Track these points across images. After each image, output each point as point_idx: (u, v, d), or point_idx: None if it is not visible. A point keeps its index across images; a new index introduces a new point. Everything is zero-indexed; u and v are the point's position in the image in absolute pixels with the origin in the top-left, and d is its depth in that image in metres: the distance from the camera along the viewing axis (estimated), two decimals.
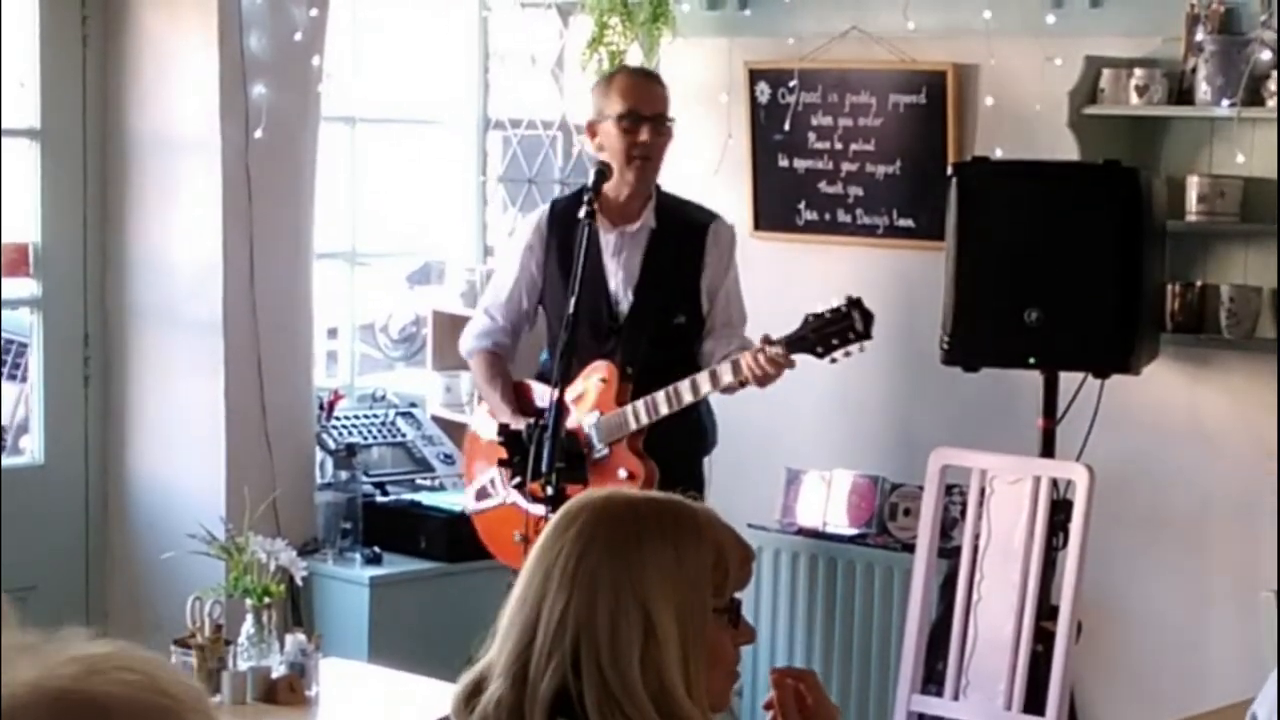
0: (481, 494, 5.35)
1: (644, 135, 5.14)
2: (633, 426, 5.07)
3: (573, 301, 4.80)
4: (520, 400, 5.25)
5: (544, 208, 5.47)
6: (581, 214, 4.99)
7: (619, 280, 5.22)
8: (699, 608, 2.28)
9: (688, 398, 5.04)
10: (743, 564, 2.36)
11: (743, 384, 4.99)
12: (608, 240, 5.21)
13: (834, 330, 4.83)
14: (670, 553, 2.28)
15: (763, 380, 4.93)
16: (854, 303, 4.85)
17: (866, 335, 4.84)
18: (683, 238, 5.24)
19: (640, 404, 5.07)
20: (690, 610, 2.27)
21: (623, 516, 2.31)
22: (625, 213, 5.21)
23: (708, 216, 5.35)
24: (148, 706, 1.34)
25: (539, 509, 4.94)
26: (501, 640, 2.28)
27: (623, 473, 5.00)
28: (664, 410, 5.06)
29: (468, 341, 5.44)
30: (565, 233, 5.21)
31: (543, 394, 5.18)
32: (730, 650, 2.36)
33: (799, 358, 4.91)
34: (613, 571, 2.25)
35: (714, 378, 5.01)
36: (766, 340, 4.92)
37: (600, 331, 5.17)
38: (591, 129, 5.24)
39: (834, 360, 4.90)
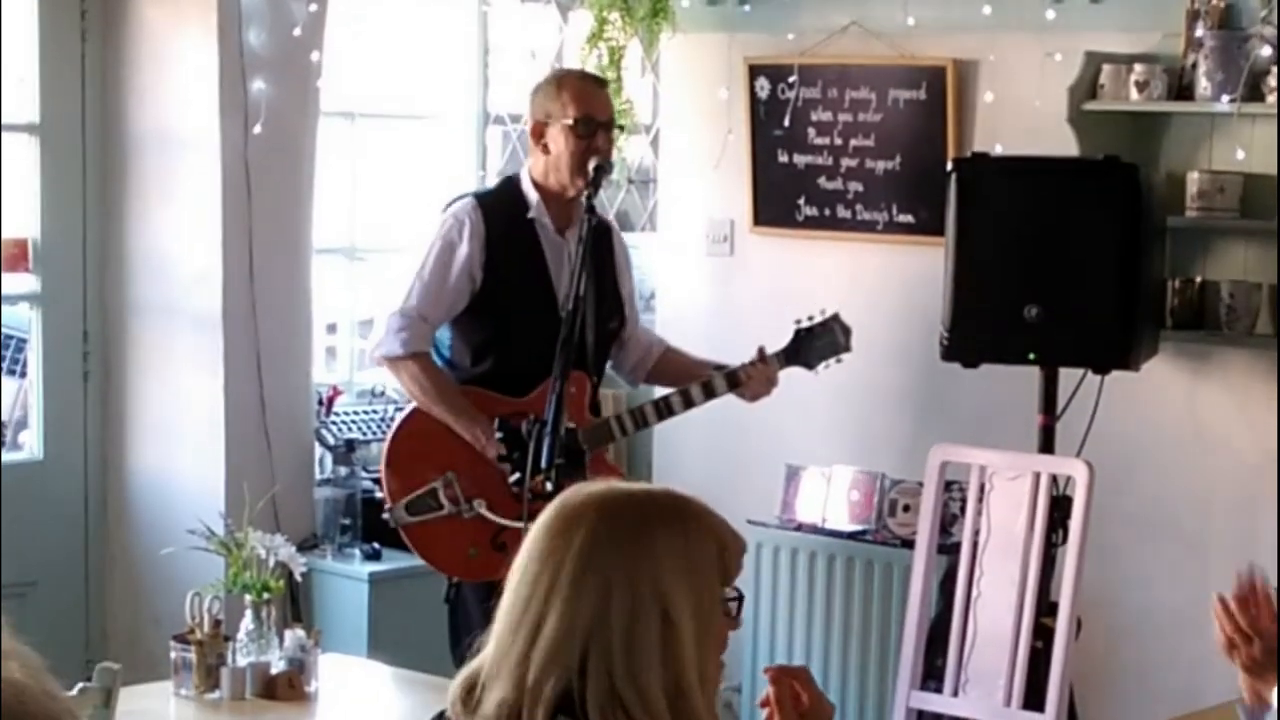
0: (420, 506, 5.12)
1: (600, 142, 5.06)
2: (618, 437, 5.07)
3: (572, 299, 4.77)
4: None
5: (468, 204, 5.20)
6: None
7: (564, 286, 5.00)
8: (712, 599, 2.27)
9: (679, 410, 5.05)
10: (739, 554, 2.35)
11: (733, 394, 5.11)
12: (556, 244, 5.13)
13: (823, 344, 5.19)
14: (681, 544, 2.25)
15: (763, 393, 5.13)
16: (833, 317, 5.22)
17: (848, 348, 5.25)
18: (598, 241, 5.03)
19: (626, 415, 5.07)
20: (704, 603, 2.25)
21: (628, 510, 2.27)
22: (570, 216, 5.10)
23: (604, 219, 5.30)
24: None
25: (506, 521, 4.93)
26: (502, 641, 2.24)
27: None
28: (653, 422, 5.08)
29: (394, 346, 5.12)
30: (504, 229, 5.13)
31: (500, 400, 5.11)
32: (726, 638, 2.35)
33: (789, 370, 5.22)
34: (627, 569, 2.21)
35: (708, 390, 5.04)
36: (763, 356, 4.95)
37: (551, 336, 4.83)
38: (538, 130, 5.12)
39: (816, 373, 5.27)
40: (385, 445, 5.26)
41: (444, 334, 5.23)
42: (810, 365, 5.22)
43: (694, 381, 5.13)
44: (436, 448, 5.10)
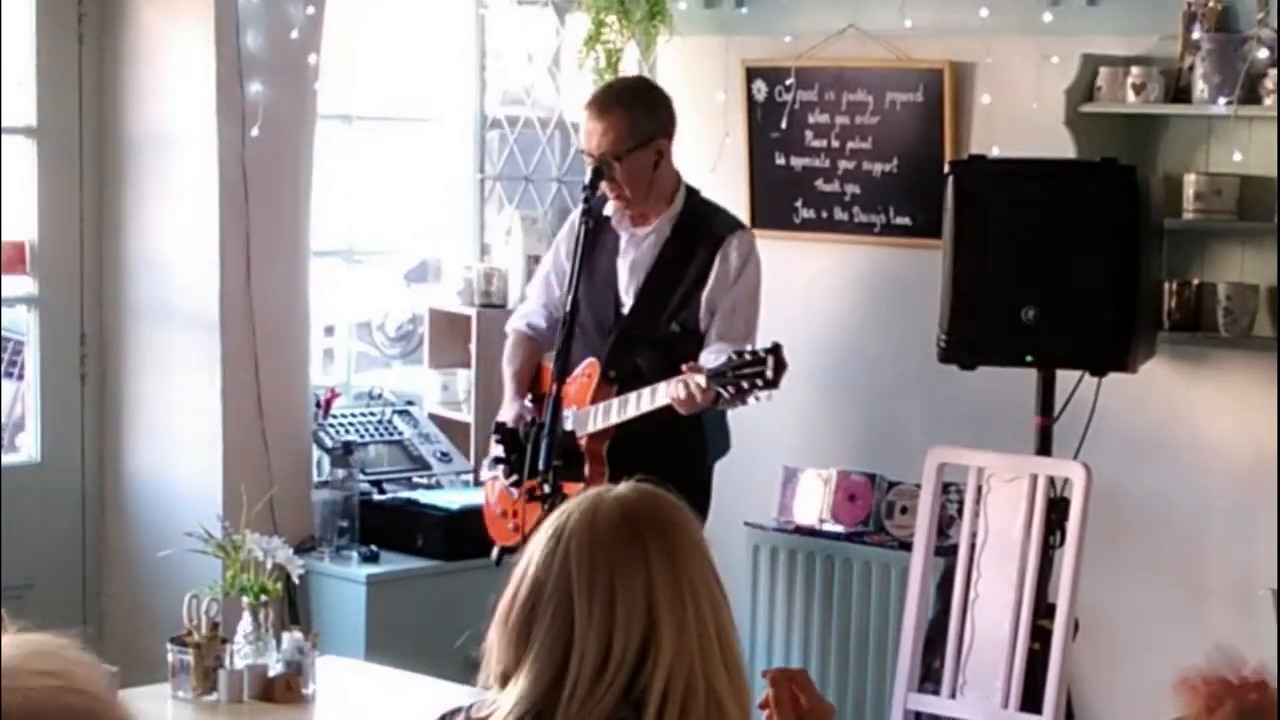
0: (492, 465, 5.34)
1: (590, 177, 5.14)
2: (589, 428, 5.04)
3: (569, 300, 4.80)
4: (536, 383, 5.31)
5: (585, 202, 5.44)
6: (577, 211, 5.02)
7: (624, 282, 5.24)
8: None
9: (631, 411, 4.98)
10: None
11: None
12: (621, 241, 5.24)
13: (746, 374, 4.70)
14: (700, 534, 2.28)
15: (684, 405, 4.83)
16: (772, 350, 4.70)
17: (774, 384, 4.70)
18: (696, 248, 5.20)
19: (600, 408, 5.06)
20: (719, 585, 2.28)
21: (669, 518, 2.28)
22: (642, 216, 5.24)
23: (727, 229, 5.25)
24: (65, 709, 1.34)
25: (512, 491, 5.01)
26: (541, 662, 2.21)
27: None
28: (614, 419, 5.00)
29: (510, 321, 5.59)
30: (594, 227, 5.23)
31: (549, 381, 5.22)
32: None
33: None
34: (689, 581, 2.23)
35: (654, 395, 4.94)
36: (692, 369, 4.82)
37: (603, 330, 5.21)
38: None
39: (744, 403, 4.85)
40: None
41: None
42: (730, 393, 4.78)
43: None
44: None
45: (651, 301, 5.20)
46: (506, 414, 5.25)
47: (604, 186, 5.16)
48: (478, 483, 5.57)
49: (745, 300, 5.21)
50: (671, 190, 5.26)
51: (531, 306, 5.54)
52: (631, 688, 2.18)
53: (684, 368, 4.83)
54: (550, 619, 2.20)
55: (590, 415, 5.07)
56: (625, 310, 5.22)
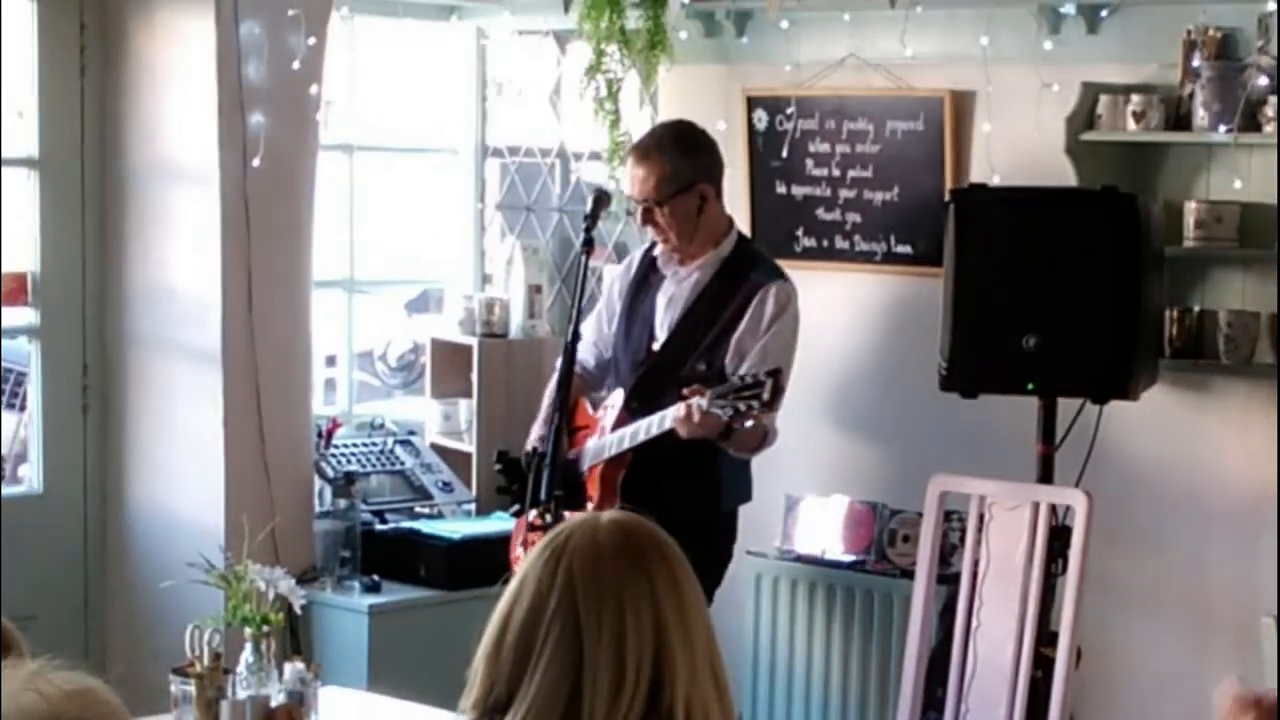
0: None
1: (639, 220, 5.27)
2: (603, 455, 5.10)
3: (570, 334, 4.83)
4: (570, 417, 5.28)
5: (646, 245, 5.50)
6: (578, 243, 5.03)
7: (660, 318, 5.28)
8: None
9: (641, 437, 5.04)
10: None
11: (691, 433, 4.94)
12: (664, 280, 5.30)
13: (744, 396, 4.77)
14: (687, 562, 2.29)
15: (684, 425, 4.87)
16: (771, 374, 4.78)
17: (769, 407, 4.79)
18: (734, 291, 5.21)
19: (614, 436, 5.10)
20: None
21: (665, 543, 2.28)
22: (690, 256, 5.26)
23: (767, 276, 5.24)
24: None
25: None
26: (549, 687, 2.21)
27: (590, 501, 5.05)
28: (626, 445, 5.06)
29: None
30: (646, 267, 5.36)
31: (584, 414, 5.29)
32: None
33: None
34: (690, 605, 2.24)
35: (661, 420, 4.97)
36: (695, 391, 4.84)
37: (636, 364, 5.25)
38: None
39: (742, 426, 4.87)
40: None
41: None
42: (729, 415, 4.79)
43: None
44: None
45: (683, 339, 5.23)
46: (534, 435, 5.26)
47: (650, 232, 5.26)
48: (481, 512, 5.55)
49: (777, 348, 5.16)
50: (719, 234, 5.28)
51: (584, 345, 5.36)
52: (653, 713, 2.18)
53: (685, 391, 4.85)
54: (557, 639, 2.19)
55: (605, 443, 5.11)
56: (656, 346, 5.25)
